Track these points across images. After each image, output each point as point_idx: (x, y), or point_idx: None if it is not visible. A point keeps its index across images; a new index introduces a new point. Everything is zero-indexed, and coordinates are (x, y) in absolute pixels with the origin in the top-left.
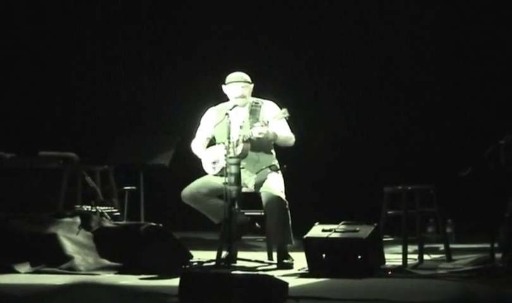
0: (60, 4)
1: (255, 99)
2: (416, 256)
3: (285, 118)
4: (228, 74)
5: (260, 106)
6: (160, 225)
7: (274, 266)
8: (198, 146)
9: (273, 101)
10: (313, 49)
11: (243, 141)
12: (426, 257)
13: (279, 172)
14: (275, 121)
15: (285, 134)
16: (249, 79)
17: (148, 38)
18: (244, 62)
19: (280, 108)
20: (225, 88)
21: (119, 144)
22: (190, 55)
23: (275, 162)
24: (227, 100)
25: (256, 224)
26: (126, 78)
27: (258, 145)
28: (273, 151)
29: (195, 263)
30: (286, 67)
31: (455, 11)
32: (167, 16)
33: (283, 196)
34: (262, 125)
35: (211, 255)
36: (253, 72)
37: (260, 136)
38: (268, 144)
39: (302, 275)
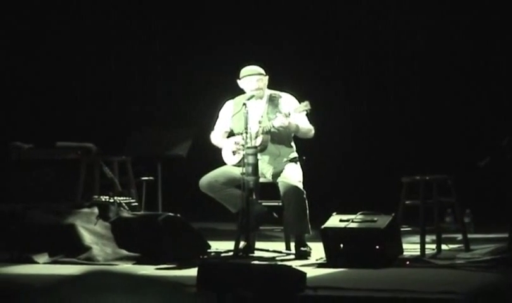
0: (74, 2)
1: (272, 91)
2: (434, 246)
3: (306, 111)
4: (242, 67)
5: (279, 99)
6: (178, 215)
7: (292, 256)
8: (217, 136)
9: (289, 93)
10: (328, 41)
11: (263, 133)
12: (444, 247)
13: (298, 162)
14: (296, 113)
15: (306, 126)
16: (263, 71)
17: (165, 31)
18: (260, 55)
19: (299, 101)
20: (241, 82)
21: (137, 135)
22: (208, 48)
23: (296, 155)
24: (244, 92)
25: (274, 214)
26: (144, 70)
27: (278, 137)
28: (293, 143)
29: (213, 253)
30: (301, 59)
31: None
32: (183, 8)
33: (301, 186)
34: (285, 117)
35: (229, 245)
36: (269, 64)
37: (282, 127)
38: (288, 136)
39: (320, 265)
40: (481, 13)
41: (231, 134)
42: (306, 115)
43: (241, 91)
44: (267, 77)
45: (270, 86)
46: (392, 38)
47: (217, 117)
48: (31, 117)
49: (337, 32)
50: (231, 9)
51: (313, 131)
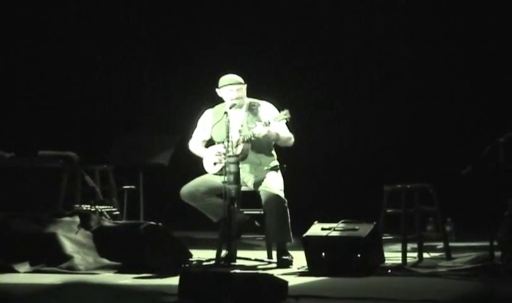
0: (61, 5)
1: (251, 100)
2: (415, 254)
3: (286, 119)
4: (221, 76)
5: (258, 107)
6: (160, 224)
7: (274, 265)
8: (196, 145)
9: (269, 101)
10: (310, 48)
11: (243, 141)
12: (425, 255)
13: (279, 171)
14: (275, 122)
15: (286, 134)
16: (241, 80)
17: (148, 39)
18: (240, 64)
19: (278, 110)
20: (220, 92)
21: (118, 144)
22: (189, 56)
23: (276, 163)
24: (223, 101)
25: (256, 223)
26: (125, 78)
27: (258, 146)
28: (274, 152)
29: (195, 262)
30: (282, 66)
31: (458, 9)
32: (167, 18)
33: (282, 195)
34: (264, 125)
35: (210, 254)
36: (249, 72)
37: (261, 135)
38: (268, 145)
39: (302, 274)
40: (467, 26)
41: (210, 142)
42: (286, 123)
43: (220, 100)
44: (245, 85)
45: (251, 94)
46: (376, 47)
47: (196, 125)
48: (13, 125)
49: (319, 39)
50: (213, 17)
51: (292, 139)
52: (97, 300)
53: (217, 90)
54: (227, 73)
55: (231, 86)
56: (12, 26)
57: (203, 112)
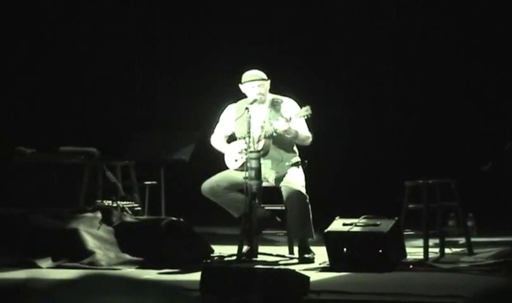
0: (77, 4)
1: (274, 96)
2: (437, 250)
3: (307, 116)
4: (244, 72)
5: (281, 103)
6: (181, 219)
7: (295, 260)
8: (218, 140)
9: (291, 98)
10: (330, 46)
11: (265, 137)
12: (447, 250)
13: (300, 167)
14: (296, 118)
15: (304, 133)
16: (264, 76)
17: (168, 35)
18: (262, 58)
19: (300, 106)
20: (243, 87)
21: (139, 140)
22: (209, 52)
23: (298, 159)
24: (246, 96)
25: (277, 218)
26: (146, 74)
27: (280, 142)
28: (296, 148)
29: (216, 258)
30: (304, 63)
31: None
32: (185, 13)
33: (303, 190)
34: (286, 121)
35: (232, 249)
36: (270, 68)
37: (281, 130)
38: (290, 141)
39: (323, 269)
40: (483, 19)
41: (231, 138)
42: (307, 120)
43: (243, 95)
44: (268, 81)
45: (273, 90)
46: (392, 43)
47: (218, 120)
48: (35, 121)
49: (339, 38)
50: (233, 12)
51: (310, 139)
52: (118, 295)
53: (240, 86)
54: (250, 69)
55: (252, 82)
56: (34, 26)
57: (225, 107)
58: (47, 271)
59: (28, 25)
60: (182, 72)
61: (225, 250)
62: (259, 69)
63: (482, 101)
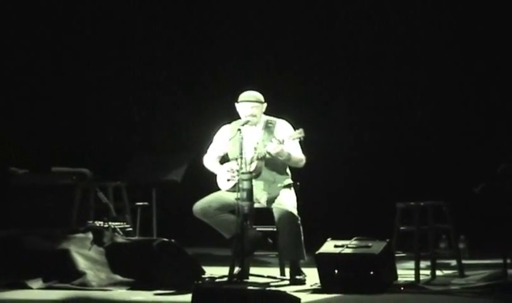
0: (72, 22)
1: (268, 117)
2: (428, 272)
3: (300, 138)
4: (242, 92)
5: (274, 125)
6: (173, 240)
7: (287, 282)
8: (210, 161)
9: (285, 119)
10: (325, 69)
11: (258, 159)
12: (438, 273)
13: (292, 188)
14: (290, 140)
15: (298, 155)
16: (261, 98)
17: (162, 55)
18: (259, 80)
19: (294, 128)
20: (238, 106)
21: (135, 162)
22: (204, 73)
23: (290, 181)
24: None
25: (269, 239)
26: (139, 96)
27: (272, 163)
28: (288, 170)
29: (207, 279)
30: (299, 85)
31: (470, 22)
32: (180, 33)
33: (295, 212)
34: (278, 143)
35: (223, 271)
36: (267, 90)
37: (274, 152)
38: (283, 163)
39: (314, 291)
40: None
41: (224, 158)
42: (300, 142)
43: (239, 116)
44: (264, 104)
45: (269, 112)
46: (387, 68)
47: (212, 141)
48: (26, 142)
49: (334, 60)
50: (231, 31)
51: (304, 161)
52: None
53: (236, 104)
54: (248, 89)
55: (247, 103)
56: (35, 40)
57: (220, 128)
58: (38, 292)
59: (30, 40)
60: (177, 93)
61: (216, 272)
62: (254, 90)
63: (474, 123)
